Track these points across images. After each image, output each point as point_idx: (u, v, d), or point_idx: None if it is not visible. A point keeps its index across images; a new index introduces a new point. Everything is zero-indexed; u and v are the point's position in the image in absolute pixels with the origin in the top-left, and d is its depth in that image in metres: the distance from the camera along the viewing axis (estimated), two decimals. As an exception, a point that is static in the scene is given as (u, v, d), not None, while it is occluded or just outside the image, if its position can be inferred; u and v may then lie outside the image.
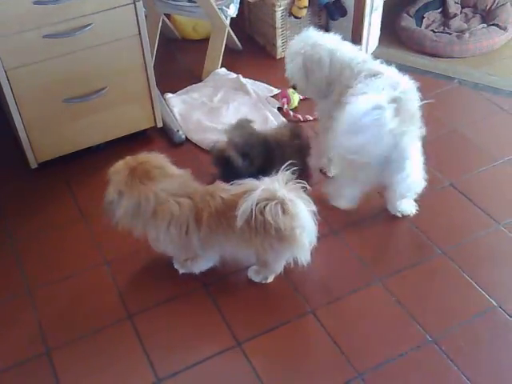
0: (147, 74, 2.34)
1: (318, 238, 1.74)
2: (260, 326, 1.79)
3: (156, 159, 1.81)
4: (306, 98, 2.76)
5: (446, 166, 2.14)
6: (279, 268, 1.87)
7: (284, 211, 1.65)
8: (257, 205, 1.64)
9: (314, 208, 1.73)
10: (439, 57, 2.98)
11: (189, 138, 2.53)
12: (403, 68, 2.04)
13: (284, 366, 1.71)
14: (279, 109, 2.69)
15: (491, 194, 2.22)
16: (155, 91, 2.41)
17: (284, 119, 2.62)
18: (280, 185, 1.68)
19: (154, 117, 2.46)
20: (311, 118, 2.62)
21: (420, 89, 1.92)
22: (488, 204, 2.16)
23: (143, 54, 2.28)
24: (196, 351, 1.75)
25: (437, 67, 2.92)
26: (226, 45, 2.87)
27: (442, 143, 2.47)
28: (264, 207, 1.64)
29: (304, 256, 1.77)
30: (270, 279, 1.92)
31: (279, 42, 2.97)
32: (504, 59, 2.99)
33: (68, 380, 1.70)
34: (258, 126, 2.58)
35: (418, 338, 1.75)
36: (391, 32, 3.12)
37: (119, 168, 1.76)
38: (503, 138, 2.50)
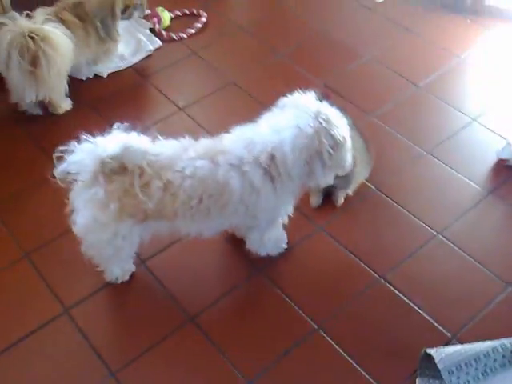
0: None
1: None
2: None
3: None
4: (177, 16, 2.74)
5: (315, 66, 2.15)
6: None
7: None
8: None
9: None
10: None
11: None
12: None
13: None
14: (151, 30, 2.65)
15: (359, 89, 2.33)
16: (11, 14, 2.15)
17: (158, 40, 2.60)
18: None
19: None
20: (185, 36, 2.63)
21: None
22: (357, 99, 2.27)
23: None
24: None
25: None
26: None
27: (307, 43, 2.54)
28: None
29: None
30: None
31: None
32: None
33: None
34: (131, 50, 2.54)
35: (368, 278, 1.73)
36: None
37: None
38: (366, 35, 2.61)
